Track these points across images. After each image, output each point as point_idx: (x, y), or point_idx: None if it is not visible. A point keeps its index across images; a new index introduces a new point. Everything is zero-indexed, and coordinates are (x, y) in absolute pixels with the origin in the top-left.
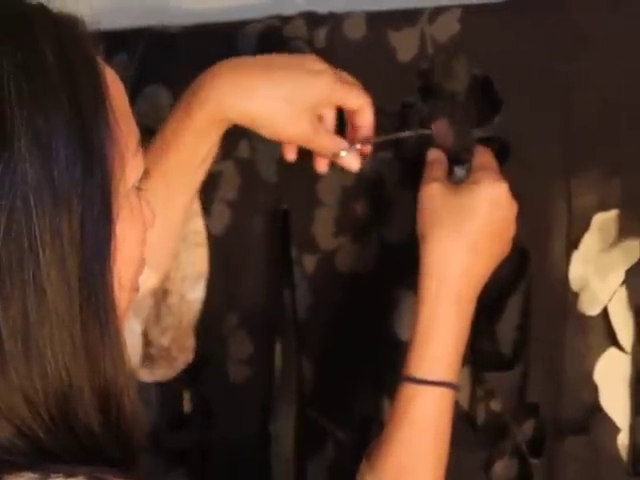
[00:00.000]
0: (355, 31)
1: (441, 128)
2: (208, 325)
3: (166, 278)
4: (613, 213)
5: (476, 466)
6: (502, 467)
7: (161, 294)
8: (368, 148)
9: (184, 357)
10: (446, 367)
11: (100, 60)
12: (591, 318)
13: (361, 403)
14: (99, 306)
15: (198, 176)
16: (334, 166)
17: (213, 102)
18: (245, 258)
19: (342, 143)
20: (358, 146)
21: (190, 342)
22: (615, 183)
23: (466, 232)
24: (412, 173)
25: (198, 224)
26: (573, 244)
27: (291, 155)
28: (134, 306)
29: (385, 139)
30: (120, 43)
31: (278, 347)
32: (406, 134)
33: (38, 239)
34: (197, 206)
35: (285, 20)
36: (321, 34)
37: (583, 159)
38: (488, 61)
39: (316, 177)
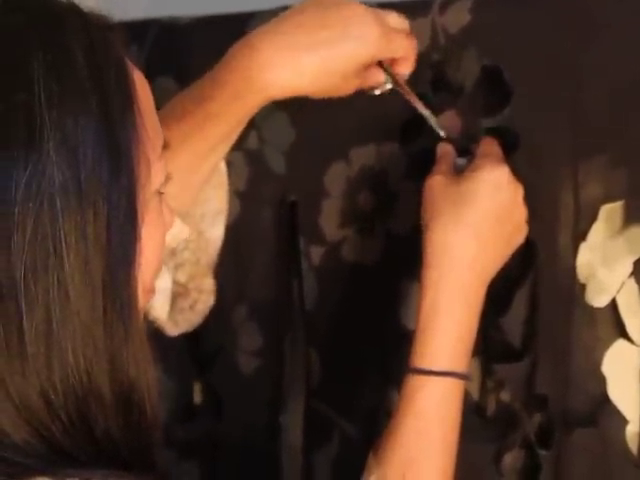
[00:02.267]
0: None
1: (449, 120)
2: (218, 316)
3: (185, 214)
4: (620, 204)
5: (486, 457)
6: (512, 458)
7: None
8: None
9: (204, 298)
10: (450, 357)
11: (129, 62)
12: (599, 309)
13: (368, 395)
14: (123, 310)
15: (230, 143)
16: (340, 158)
17: (259, 84)
18: (254, 249)
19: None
20: (388, 85)
21: (209, 283)
22: (623, 174)
23: (468, 220)
24: (417, 165)
25: (221, 164)
26: (581, 235)
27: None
28: None
29: (413, 99)
30: (129, 34)
31: (287, 339)
32: (428, 118)
33: (63, 242)
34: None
35: None
36: None
37: (591, 150)
38: (498, 51)
39: (323, 169)
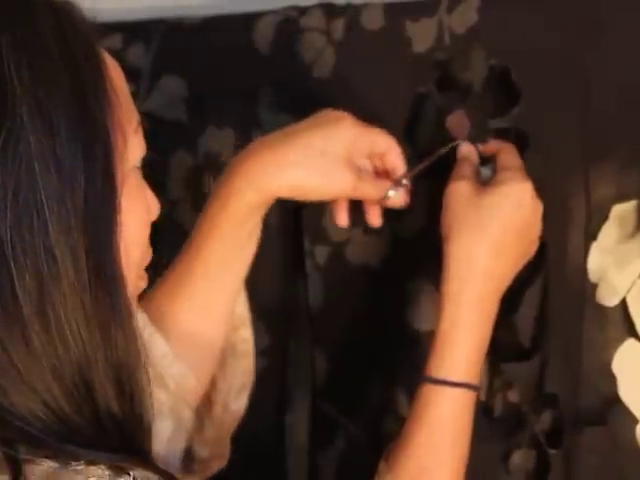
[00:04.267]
0: (373, 22)
1: (457, 120)
2: None
3: (212, 388)
4: (632, 204)
5: (494, 457)
6: (520, 458)
7: (206, 405)
8: (409, 184)
9: (218, 464)
10: (466, 368)
11: (97, 44)
12: (609, 309)
13: (374, 395)
14: (107, 278)
15: (240, 266)
16: None
17: (249, 186)
18: (260, 250)
19: (387, 184)
20: (404, 181)
21: (226, 449)
22: (634, 174)
23: (489, 232)
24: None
25: (247, 333)
26: (591, 235)
27: (342, 217)
28: (169, 410)
29: (423, 166)
30: (137, 34)
31: (292, 339)
32: (439, 153)
33: (45, 206)
34: (245, 311)
35: (302, 11)
36: (338, 25)
37: (602, 150)
38: (506, 51)
39: None
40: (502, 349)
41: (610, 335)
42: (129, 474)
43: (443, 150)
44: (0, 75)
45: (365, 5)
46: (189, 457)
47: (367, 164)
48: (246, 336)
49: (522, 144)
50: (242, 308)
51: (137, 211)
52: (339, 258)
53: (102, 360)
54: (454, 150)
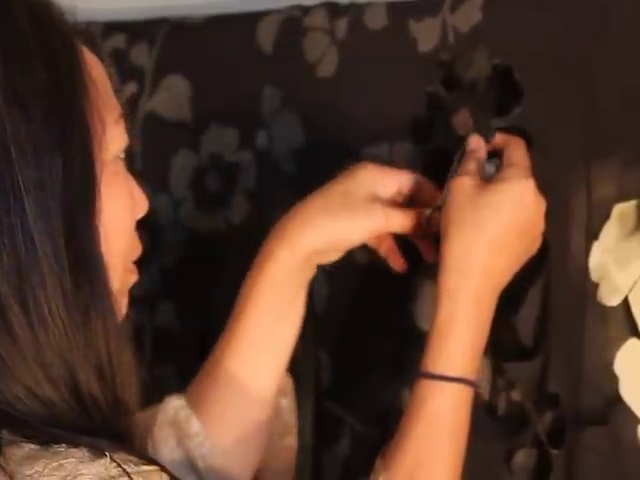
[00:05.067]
0: (376, 21)
1: (463, 118)
2: (228, 317)
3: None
4: (633, 203)
5: (497, 456)
6: (523, 457)
7: None
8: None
9: None
10: (463, 363)
11: (76, 38)
12: (611, 309)
13: (379, 394)
14: (87, 263)
15: (279, 345)
16: (352, 157)
17: (281, 248)
18: None
19: (419, 210)
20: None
21: None
22: (636, 173)
23: (488, 230)
24: (431, 164)
25: (292, 441)
26: (593, 234)
27: (398, 264)
28: None
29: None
30: (141, 33)
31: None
32: (457, 157)
33: (22, 189)
34: (292, 420)
35: (306, 10)
36: (342, 24)
37: (604, 149)
38: (509, 50)
39: (334, 168)
40: (504, 348)
41: (612, 335)
42: (107, 455)
43: (460, 153)
44: None
45: (368, 4)
46: None
47: (397, 203)
48: (291, 444)
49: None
50: (288, 415)
51: (119, 200)
52: (344, 257)
53: (82, 344)
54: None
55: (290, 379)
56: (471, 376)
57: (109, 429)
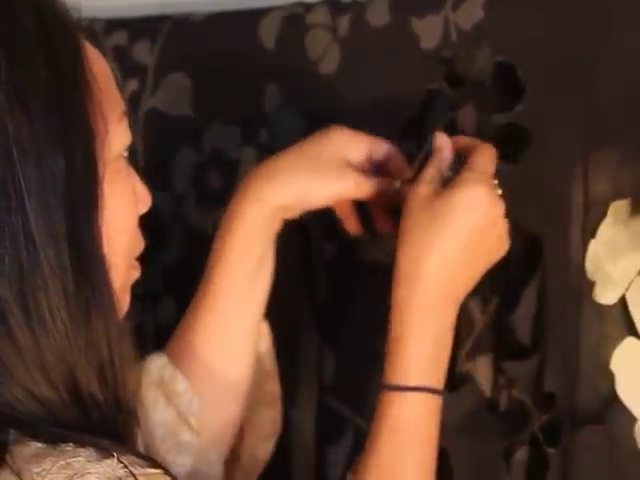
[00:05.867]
0: (378, 18)
1: (466, 115)
2: None
3: (239, 439)
4: (629, 201)
5: (497, 454)
6: (521, 455)
7: (234, 457)
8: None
9: None
10: (419, 372)
11: (80, 35)
12: (608, 307)
13: None
14: (88, 262)
15: (254, 297)
16: None
17: (250, 204)
18: None
19: (390, 180)
20: (409, 176)
21: None
22: (633, 171)
23: (439, 239)
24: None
25: (274, 386)
26: (590, 232)
27: (355, 227)
28: (197, 453)
29: (423, 158)
30: (143, 30)
31: (298, 336)
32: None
33: (24, 190)
34: (272, 364)
35: (308, 7)
36: (344, 21)
37: (602, 147)
38: (512, 48)
39: None
40: (502, 347)
41: (608, 333)
42: (114, 456)
43: (425, 148)
44: None
45: (370, 1)
46: None
47: (367, 169)
48: (274, 390)
49: (524, 140)
50: (269, 361)
51: (122, 198)
52: (347, 254)
53: (83, 345)
54: None
55: (266, 324)
56: (432, 384)
57: (108, 428)
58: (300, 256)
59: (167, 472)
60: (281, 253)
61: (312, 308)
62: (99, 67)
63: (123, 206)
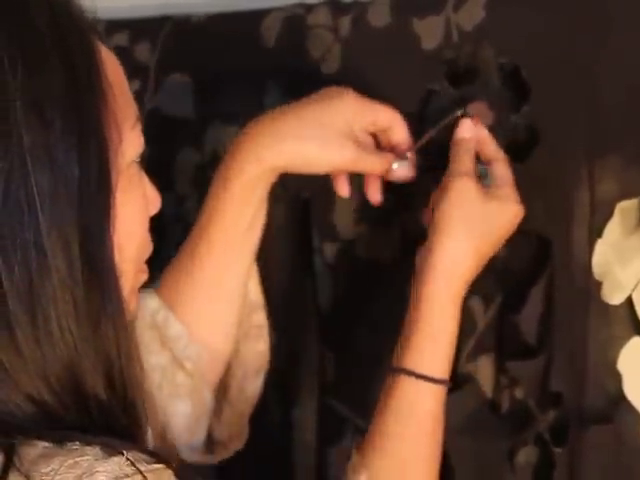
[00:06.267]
0: (379, 19)
1: (478, 109)
2: None
3: (228, 372)
4: (636, 201)
5: (500, 454)
6: (526, 455)
7: (222, 390)
8: (414, 157)
9: (237, 443)
10: (447, 365)
11: (95, 37)
12: (615, 307)
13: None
14: (100, 271)
15: (247, 246)
16: None
17: (250, 161)
18: (266, 247)
19: (389, 156)
20: (409, 154)
21: (244, 429)
22: (639, 171)
23: (481, 241)
24: (435, 161)
25: (260, 318)
26: (596, 233)
27: (343, 187)
28: (190, 391)
29: (428, 138)
30: (143, 31)
31: (300, 336)
32: (444, 123)
33: (37, 201)
34: (258, 297)
35: (309, 8)
36: (345, 22)
37: (608, 148)
38: (514, 48)
39: None
40: (507, 347)
41: (615, 333)
42: (122, 454)
43: (447, 120)
44: None
45: (371, 2)
46: (210, 439)
47: (369, 139)
48: (260, 322)
49: (532, 141)
50: (255, 294)
51: (133, 205)
52: (348, 254)
53: (92, 353)
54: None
55: (254, 264)
56: (447, 377)
57: (111, 426)
58: (301, 257)
59: (169, 466)
60: (283, 254)
61: (313, 309)
62: (114, 71)
63: (135, 213)
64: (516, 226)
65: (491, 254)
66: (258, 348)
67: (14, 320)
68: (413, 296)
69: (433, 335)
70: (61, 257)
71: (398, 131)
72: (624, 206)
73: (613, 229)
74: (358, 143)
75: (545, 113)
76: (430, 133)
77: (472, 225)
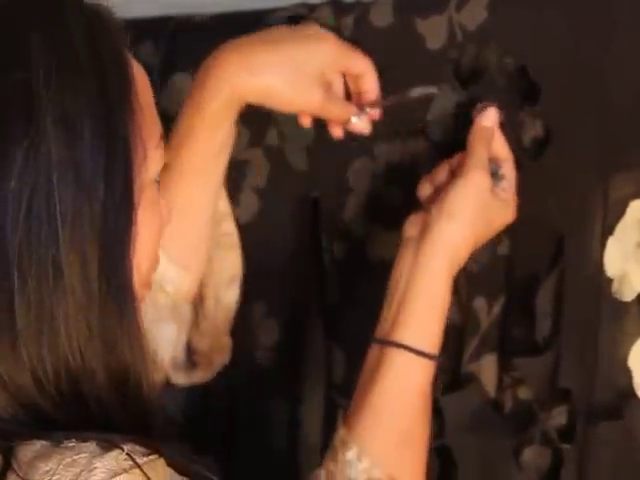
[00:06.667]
0: (382, 19)
1: (487, 112)
2: (237, 312)
3: (201, 284)
4: None
5: (505, 452)
6: (532, 453)
7: (198, 300)
8: (377, 112)
9: (221, 358)
10: (437, 341)
11: (127, 51)
12: (626, 304)
13: None
14: (118, 291)
15: (218, 168)
16: (364, 154)
17: (222, 88)
18: (274, 246)
19: (353, 109)
20: (368, 110)
21: (226, 342)
22: None
23: (479, 230)
24: (445, 159)
25: (229, 226)
26: (608, 230)
27: (306, 120)
28: (171, 311)
29: (393, 101)
30: (146, 31)
31: (306, 335)
32: (414, 93)
33: (59, 219)
34: (226, 207)
35: (312, 8)
36: (348, 22)
37: (620, 146)
38: (519, 49)
39: (346, 164)
40: (516, 344)
41: (626, 330)
42: (121, 448)
43: (416, 91)
44: (29, 80)
45: (374, 2)
46: (190, 351)
47: (340, 84)
48: (229, 230)
49: (545, 140)
50: (223, 204)
51: (152, 225)
52: (357, 253)
53: (101, 371)
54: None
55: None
56: (437, 354)
57: (107, 421)
58: (309, 255)
59: (161, 454)
60: (292, 253)
61: (320, 306)
62: (143, 87)
63: (153, 233)
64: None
65: (478, 246)
66: (230, 256)
67: (20, 332)
68: (404, 266)
69: (426, 309)
70: (78, 276)
71: (368, 80)
72: (636, 204)
73: (625, 227)
74: (326, 88)
75: (556, 112)
76: (397, 96)
77: (477, 214)
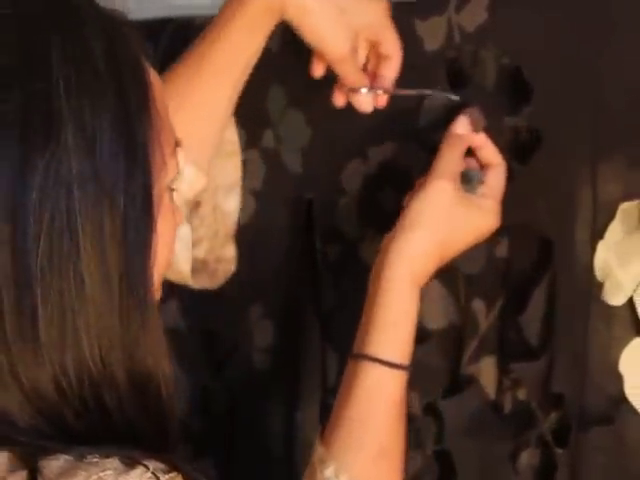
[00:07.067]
0: None
1: (473, 114)
2: (233, 315)
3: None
4: (637, 202)
5: (502, 456)
6: (528, 457)
7: (193, 205)
8: (385, 99)
9: (224, 268)
10: (408, 351)
11: (143, 57)
12: (616, 308)
13: None
14: (140, 300)
15: (242, 74)
16: (358, 156)
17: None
18: (269, 248)
19: (366, 80)
20: (379, 92)
21: (229, 252)
22: None
23: (445, 236)
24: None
25: (232, 133)
26: (598, 234)
27: (319, 71)
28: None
29: (406, 94)
30: (146, 34)
31: (302, 337)
32: (429, 93)
33: (80, 230)
34: (231, 116)
35: None
36: None
37: (610, 149)
38: (517, 50)
39: (340, 166)
40: (510, 349)
41: (617, 334)
42: (145, 465)
43: (432, 92)
44: (49, 91)
45: None
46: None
47: (363, 54)
48: (232, 138)
49: (535, 142)
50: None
51: (167, 233)
52: (351, 256)
53: (123, 380)
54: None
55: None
56: (408, 363)
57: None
58: (304, 258)
59: (180, 471)
60: (285, 255)
61: (316, 309)
62: (160, 95)
63: (168, 243)
64: (486, 237)
65: (453, 255)
66: (230, 163)
67: (43, 343)
68: (374, 281)
69: (394, 320)
70: (99, 288)
71: (391, 66)
72: (626, 207)
73: (615, 230)
74: (354, 49)
75: (548, 114)
76: (412, 92)
77: (440, 223)
